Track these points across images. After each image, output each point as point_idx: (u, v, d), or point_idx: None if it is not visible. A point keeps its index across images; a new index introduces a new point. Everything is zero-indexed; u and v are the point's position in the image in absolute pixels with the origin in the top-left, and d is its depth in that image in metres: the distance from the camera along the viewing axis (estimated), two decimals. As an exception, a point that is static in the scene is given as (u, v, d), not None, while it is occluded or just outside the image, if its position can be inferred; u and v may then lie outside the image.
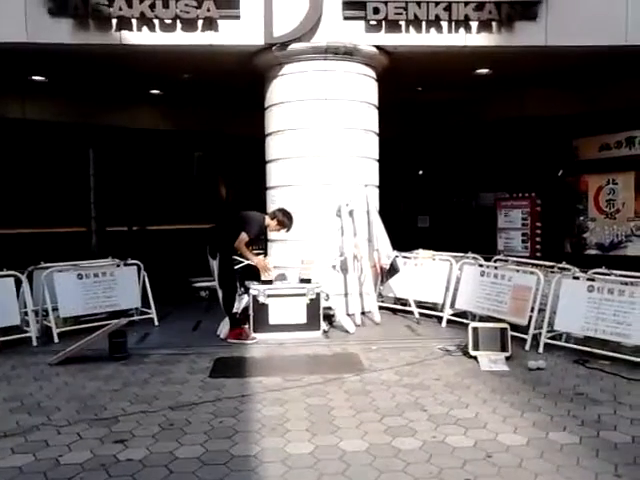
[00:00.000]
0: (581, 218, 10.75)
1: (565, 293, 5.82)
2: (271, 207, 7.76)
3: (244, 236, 6.24)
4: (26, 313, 6.34)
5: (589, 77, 9.61)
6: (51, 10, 7.03)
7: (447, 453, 3.50)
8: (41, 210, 10.75)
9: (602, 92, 9.96)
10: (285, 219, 6.57)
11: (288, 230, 6.67)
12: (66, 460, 3.45)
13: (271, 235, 7.59)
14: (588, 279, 5.82)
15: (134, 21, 7.11)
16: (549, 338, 5.83)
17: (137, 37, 7.20)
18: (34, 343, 6.20)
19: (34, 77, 9.43)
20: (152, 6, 6.98)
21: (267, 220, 6.58)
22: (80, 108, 10.88)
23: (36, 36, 7.10)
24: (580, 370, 5.19)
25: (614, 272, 5.81)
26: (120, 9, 6.96)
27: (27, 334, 6.26)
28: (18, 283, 6.34)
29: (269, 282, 6.63)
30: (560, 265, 6.55)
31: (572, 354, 5.60)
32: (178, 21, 7.14)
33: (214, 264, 6.37)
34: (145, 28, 7.16)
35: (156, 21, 7.13)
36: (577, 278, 5.94)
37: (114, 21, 7.10)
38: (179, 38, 7.22)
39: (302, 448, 3.58)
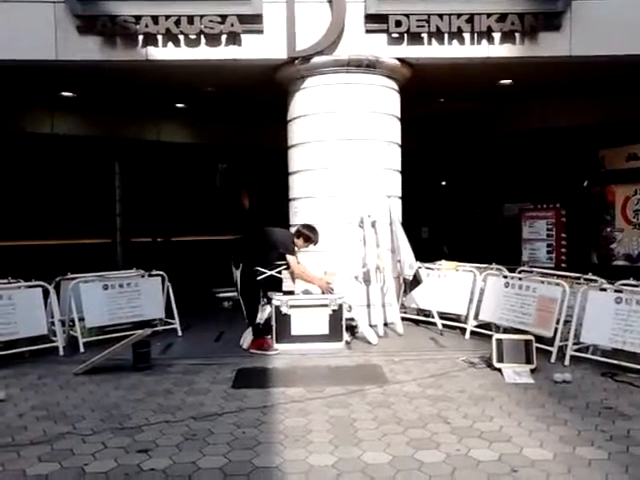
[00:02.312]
0: (608, 229, 10.57)
1: (592, 305, 5.72)
2: (294, 219, 7.82)
3: (294, 260, 6.45)
4: (53, 323, 6.45)
5: (614, 87, 9.48)
6: (80, 28, 7.21)
7: (471, 467, 3.45)
8: (68, 222, 10.97)
9: (628, 101, 9.80)
10: (310, 234, 6.63)
11: (315, 243, 6.70)
12: (91, 469, 3.48)
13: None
14: (616, 290, 5.72)
15: (160, 37, 7.27)
16: (575, 350, 5.72)
17: (162, 52, 7.35)
18: (61, 353, 6.30)
19: (63, 93, 9.67)
20: (177, 22, 7.12)
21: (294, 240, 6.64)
22: (107, 122, 11.12)
23: (65, 53, 7.29)
24: (608, 383, 5.08)
25: (642, 284, 5.69)
26: (146, 26, 7.11)
27: (54, 344, 6.35)
28: (46, 294, 6.45)
29: (291, 293, 6.65)
30: (586, 276, 6.45)
31: (599, 367, 5.48)
32: (202, 36, 7.27)
33: (237, 274, 6.42)
34: (170, 44, 7.30)
35: (181, 37, 7.26)
36: (604, 290, 5.83)
37: (140, 37, 7.26)
38: (203, 53, 7.35)
39: (324, 460, 3.56)
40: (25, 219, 10.61)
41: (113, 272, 7.36)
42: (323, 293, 6.61)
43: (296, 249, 6.65)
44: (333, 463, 3.52)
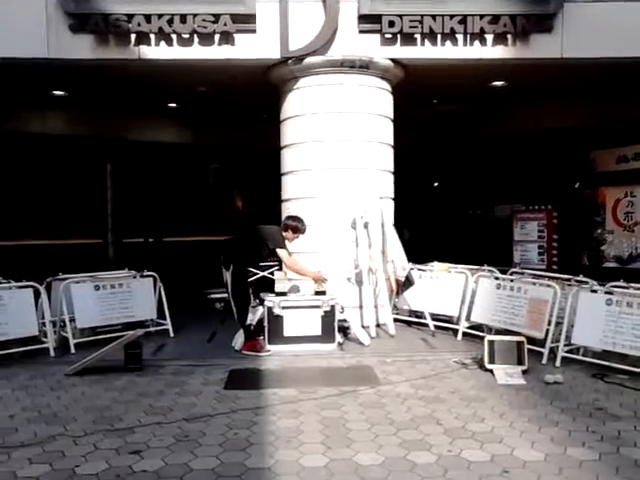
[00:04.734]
0: (599, 231, 10.64)
1: (583, 306, 5.75)
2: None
3: (285, 253, 6.37)
4: (44, 324, 6.40)
5: (605, 89, 9.56)
6: (72, 27, 7.16)
7: (463, 468, 3.46)
8: (59, 222, 10.91)
9: (619, 104, 9.89)
10: (297, 224, 6.55)
11: (304, 232, 6.63)
12: (82, 470, 3.47)
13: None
14: (606, 292, 5.75)
15: (152, 36, 7.23)
16: (566, 352, 5.75)
17: (155, 52, 7.32)
18: (51, 354, 6.25)
19: (55, 92, 9.61)
20: (170, 21, 7.09)
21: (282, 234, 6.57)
22: (98, 121, 11.05)
23: (57, 52, 7.25)
24: (599, 384, 5.12)
25: (633, 285, 5.71)
26: (139, 25, 7.08)
27: (45, 345, 6.31)
28: (37, 294, 6.41)
29: (284, 294, 6.64)
30: (577, 278, 6.48)
31: (590, 368, 5.52)
32: (195, 36, 7.24)
33: (227, 275, 6.39)
34: (163, 43, 7.27)
35: (174, 36, 7.23)
36: (595, 291, 5.87)
37: (133, 36, 7.22)
38: (196, 52, 7.32)
39: (316, 461, 3.57)
40: (16, 219, 10.54)
41: (105, 273, 7.30)
42: (316, 282, 6.56)
43: (287, 242, 6.58)
44: (325, 464, 3.52)
